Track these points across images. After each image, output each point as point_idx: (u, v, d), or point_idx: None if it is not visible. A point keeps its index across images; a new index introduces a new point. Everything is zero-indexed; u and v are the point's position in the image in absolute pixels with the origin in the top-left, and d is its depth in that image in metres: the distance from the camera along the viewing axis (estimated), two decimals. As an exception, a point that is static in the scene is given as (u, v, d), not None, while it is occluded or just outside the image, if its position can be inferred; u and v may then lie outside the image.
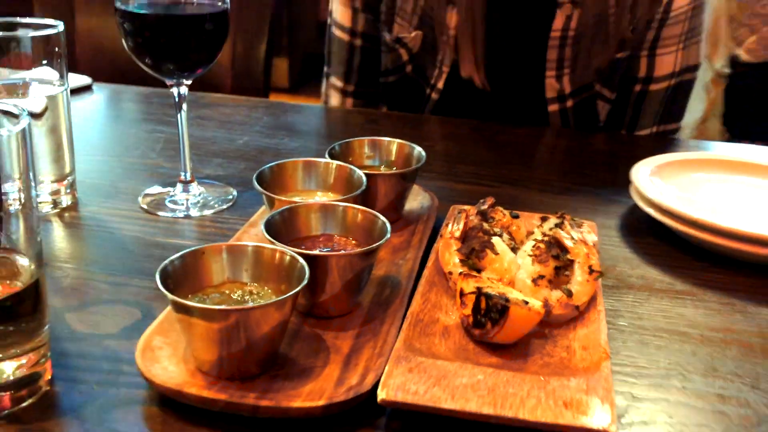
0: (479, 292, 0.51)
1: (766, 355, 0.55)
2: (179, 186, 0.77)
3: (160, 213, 0.74)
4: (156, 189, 0.80)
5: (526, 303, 0.50)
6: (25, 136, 0.42)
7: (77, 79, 1.15)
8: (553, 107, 1.03)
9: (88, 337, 0.53)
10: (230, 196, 0.79)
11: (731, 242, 0.66)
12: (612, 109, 1.05)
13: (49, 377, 0.48)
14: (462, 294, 0.53)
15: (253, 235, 0.66)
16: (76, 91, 1.11)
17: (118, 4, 0.68)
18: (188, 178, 0.77)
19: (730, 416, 0.48)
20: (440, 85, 1.06)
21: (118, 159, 0.90)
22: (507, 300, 0.50)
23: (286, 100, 1.25)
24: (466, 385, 0.45)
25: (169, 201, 0.76)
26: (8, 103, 0.45)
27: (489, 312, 0.50)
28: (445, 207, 0.72)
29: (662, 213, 0.70)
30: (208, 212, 0.75)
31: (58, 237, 0.70)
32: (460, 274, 0.55)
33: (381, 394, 0.44)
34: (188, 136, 0.76)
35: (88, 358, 0.51)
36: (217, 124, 1.04)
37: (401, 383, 0.45)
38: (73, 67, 1.17)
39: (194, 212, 0.75)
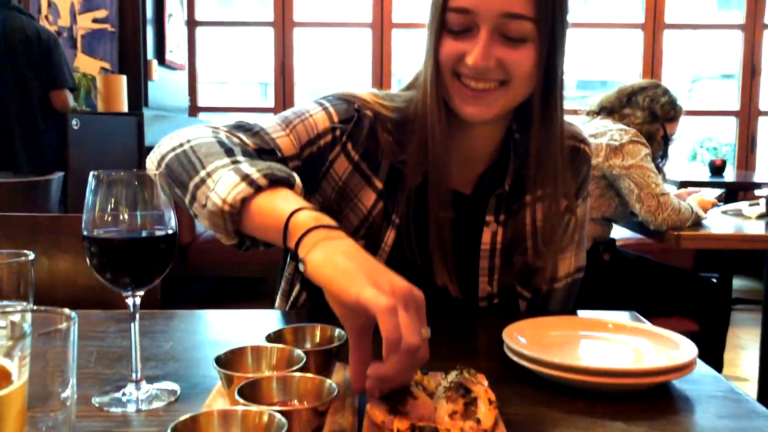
0: (413, 427, 0.67)
1: (624, 451, 0.74)
2: (130, 385, 0.88)
3: (117, 409, 0.84)
4: (105, 391, 0.89)
5: (449, 430, 0.67)
6: (73, 337, 0.56)
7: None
8: (482, 304, 1.22)
9: None
10: (176, 390, 0.90)
11: (584, 377, 0.87)
12: (528, 303, 1.26)
13: None
14: (399, 432, 0.68)
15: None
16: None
17: (85, 233, 0.83)
18: (138, 377, 0.88)
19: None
20: None
21: (57, 371, 0.99)
22: (436, 428, 0.66)
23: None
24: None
25: (122, 398, 0.86)
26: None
27: (423, 440, 0.66)
28: (364, 376, 0.88)
29: (529, 361, 0.91)
30: (159, 404, 0.86)
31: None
32: (394, 418, 0.70)
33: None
34: (139, 339, 0.88)
35: None
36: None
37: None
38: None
39: (145, 406, 0.85)
